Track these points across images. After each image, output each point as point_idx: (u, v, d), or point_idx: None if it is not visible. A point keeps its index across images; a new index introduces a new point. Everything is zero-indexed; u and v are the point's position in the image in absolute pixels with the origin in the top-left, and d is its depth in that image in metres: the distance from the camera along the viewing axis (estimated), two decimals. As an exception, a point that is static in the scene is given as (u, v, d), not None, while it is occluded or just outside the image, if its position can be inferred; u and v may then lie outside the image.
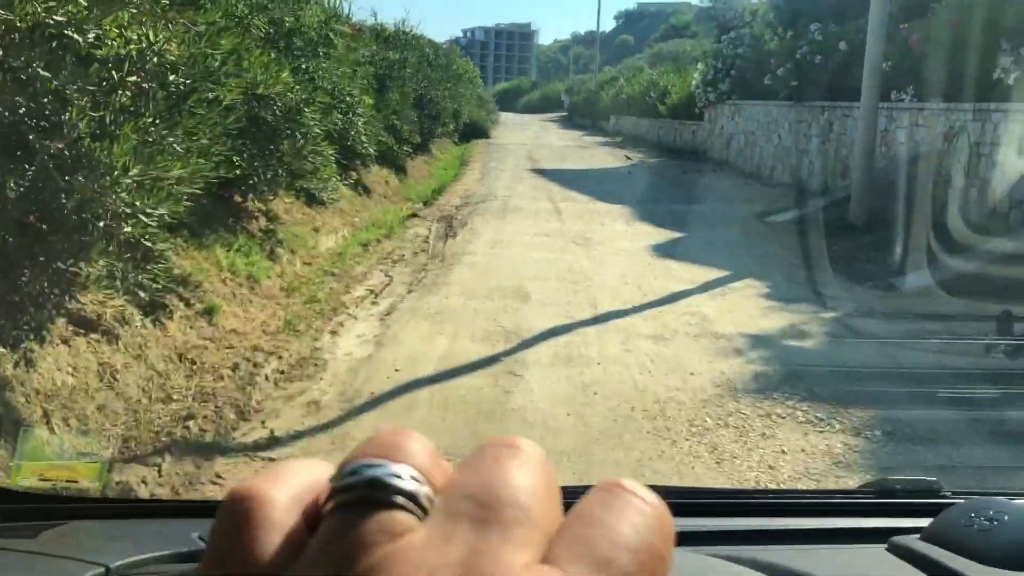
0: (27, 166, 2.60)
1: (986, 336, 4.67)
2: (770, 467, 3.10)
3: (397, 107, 11.05)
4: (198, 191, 3.41)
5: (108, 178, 2.57)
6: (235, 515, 0.25)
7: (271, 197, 5.83)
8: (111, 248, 3.05)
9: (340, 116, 6.75)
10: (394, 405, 3.65)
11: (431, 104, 14.29)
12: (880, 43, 8.49)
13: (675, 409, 3.60)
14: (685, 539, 0.90)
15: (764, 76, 12.81)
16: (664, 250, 7.50)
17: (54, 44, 2.48)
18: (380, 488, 0.24)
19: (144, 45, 2.94)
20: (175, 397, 3.39)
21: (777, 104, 12.65)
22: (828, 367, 4.31)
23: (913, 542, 0.89)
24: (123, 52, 2.89)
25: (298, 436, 3.31)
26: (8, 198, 2.55)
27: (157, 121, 2.81)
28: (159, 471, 2.82)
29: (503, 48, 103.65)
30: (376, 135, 9.06)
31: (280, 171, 5.24)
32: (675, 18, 49.34)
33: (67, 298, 3.12)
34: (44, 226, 2.91)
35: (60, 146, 2.60)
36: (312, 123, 5.22)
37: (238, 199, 5.63)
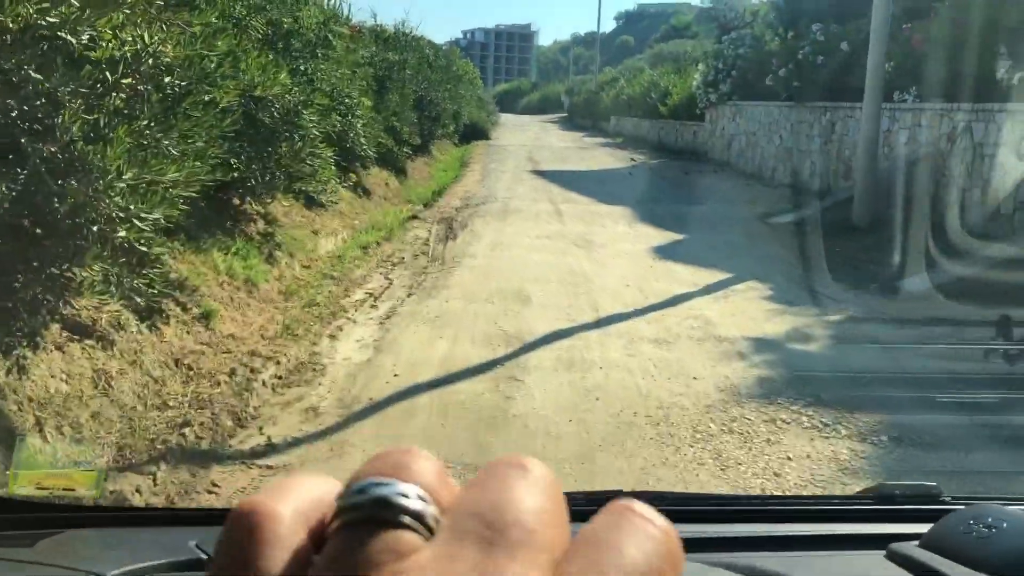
0: (19, 170, 2.55)
1: (992, 340, 4.63)
2: (776, 474, 3.05)
3: (397, 108, 11.01)
4: (194, 194, 3.37)
5: (101, 182, 2.53)
6: (241, 530, 0.24)
7: (269, 200, 5.78)
8: (106, 253, 3.01)
9: (339, 118, 6.70)
10: (393, 411, 3.60)
11: (431, 105, 14.24)
12: (883, 43, 8.44)
13: (679, 415, 3.55)
14: (683, 546, 0.89)
15: (765, 77, 12.76)
16: (666, 252, 7.45)
17: (46, 46, 2.43)
18: (387, 507, 0.24)
19: (139, 47, 2.89)
20: (171, 404, 3.34)
21: (779, 105, 12.60)
22: (833, 371, 4.26)
23: (912, 549, 0.88)
24: (118, 54, 2.85)
25: (296, 443, 3.26)
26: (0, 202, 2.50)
27: (152, 124, 2.76)
28: (154, 480, 2.77)
29: (503, 49, 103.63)
30: (376, 137, 9.01)
31: (278, 174, 5.19)
32: (675, 19, 49.31)
33: (61, 303, 3.07)
34: (37, 230, 2.86)
35: (53, 149, 2.55)
36: (310, 125, 5.17)
37: (236, 202, 5.58)
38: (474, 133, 22.10)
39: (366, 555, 0.23)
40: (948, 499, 1.05)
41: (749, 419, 3.53)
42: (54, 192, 2.55)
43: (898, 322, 5.31)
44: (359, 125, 7.49)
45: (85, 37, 2.76)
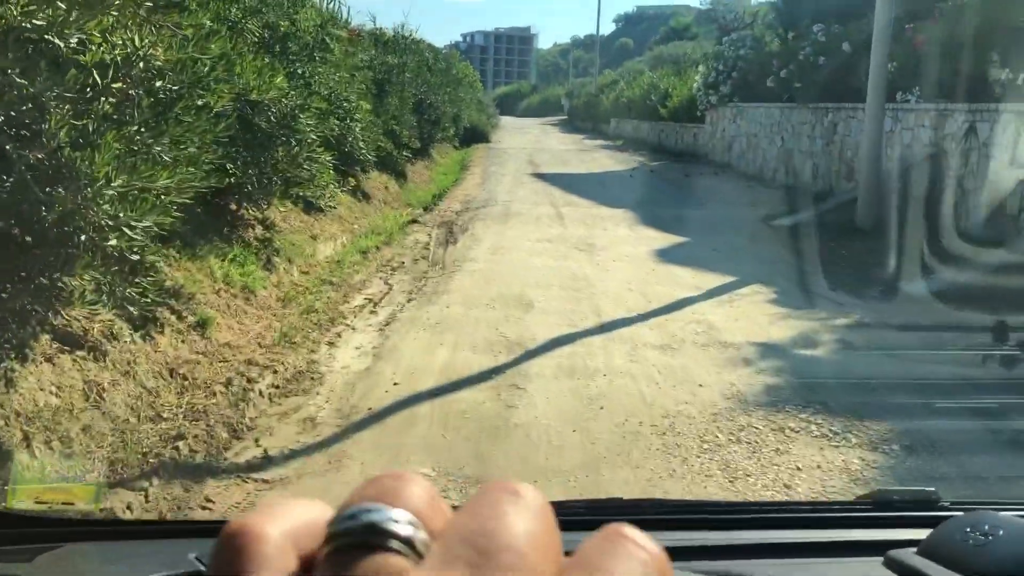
0: (5, 177, 2.47)
1: (1000, 345, 4.55)
2: (786, 486, 2.96)
3: (396, 112, 10.94)
4: (188, 201, 3.29)
5: (90, 189, 2.45)
6: (230, 549, 0.25)
7: (266, 205, 5.71)
8: (97, 261, 2.93)
9: (337, 122, 6.63)
10: (392, 421, 3.52)
11: (431, 109, 14.18)
12: (886, 44, 8.37)
13: (685, 424, 3.47)
14: (678, 554, 0.90)
15: (766, 78, 12.69)
16: (668, 255, 7.37)
17: (30, 49, 2.35)
18: (377, 533, 0.24)
19: (129, 50, 2.81)
20: (165, 415, 3.26)
21: (780, 106, 12.53)
22: (841, 377, 4.18)
23: (909, 556, 0.88)
24: (108, 58, 2.77)
25: (293, 456, 3.18)
26: (-15, 211, 2.43)
27: (142, 129, 2.68)
28: (146, 496, 2.68)
29: (503, 52, 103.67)
30: (375, 140, 8.94)
31: (275, 179, 5.11)
32: (675, 20, 49.24)
33: (51, 314, 2.99)
34: (26, 239, 2.79)
35: (39, 156, 2.47)
36: (308, 129, 5.10)
37: (233, 207, 5.51)
38: (474, 136, 22.06)
39: None
40: (946, 505, 1.05)
41: (757, 428, 3.44)
42: (41, 200, 2.47)
43: (905, 327, 5.23)
44: (358, 129, 7.42)
45: (74, 40, 2.68)
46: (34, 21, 2.52)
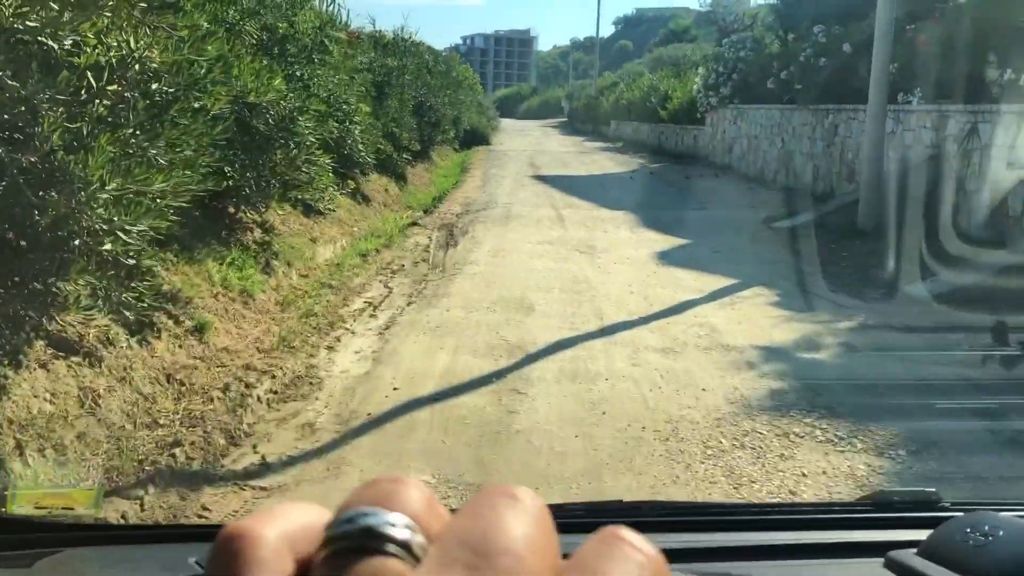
0: (-3, 181, 2.43)
1: (1007, 347, 4.50)
2: (791, 492, 2.92)
3: (396, 114, 10.90)
4: (185, 204, 3.25)
5: (83, 193, 2.41)
6: (227, 553, 0.25)
7: (265, 208, 5.66)
8: (92, 266, 2.89)
9: (336, 124, 6.59)
10: (392, 427, 3.47)
11: (431, 111, 14.15)
12: (888, 45, 8.33)
13: (688, 429, 3.42)
14: (678, 556, 0.90)
15: (767, 79, 12.66)
16: (670, 258, 7.33)
17: (21, 51, 2.31)
18: (374, 537, 0.24)
19: (124, 52, 2.78)
20: (161, 422, 3.22)
21: (780, 108, 12.50)
22: (845, 381, 4.14)
23: (910, 557, 0.88)
24: (103, 60, 2.73)
25: (291, 462, 3.13)
26: (-23, 216, 2.39)
27: (137, 132, 2.64)
28: (141, 504, 2.64)
29: (503, 55, 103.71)
30: (375, 143, 8.91)
31: (273, 181, 5.07)
32: (674, 22, 49.22)
33: (45, 319, 2.95)
34: (20, 243, 2.75)
35: (32, 159, 2.43)
36: (306, 131, 5.05)
37: (231, 211, 5.47)
38: (474, 138, 22.03)
39: None
40: (947, 505, 1.04)
41: (761, 433, 3.40)
42: (34, 204, 2.43)
43: (908, 329, 5.19)
44: (357, 131, 7.38)
45: (68, 42, 2.64)
46: (27, 23, 2.49)
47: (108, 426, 2.97)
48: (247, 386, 3.74)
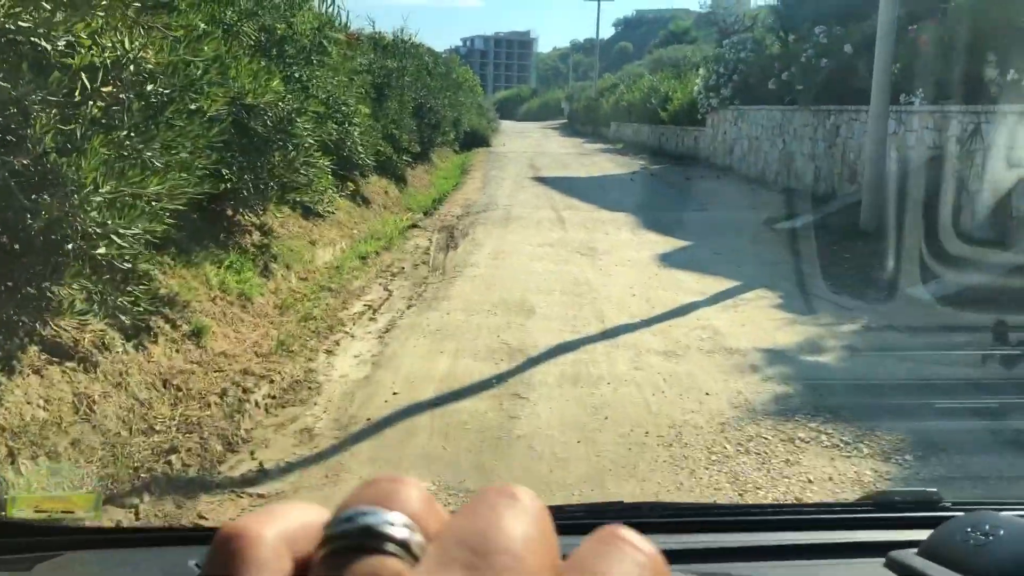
0: (-11, 184, 2.39)
1: (1012, 347, 4.46)
2: (797, 499, 2.87)
3: (396, 116, 10.86)
4: (181, 207, 3.21)
5: (76, 196, 2.36)
6: (225, 553, 0.25)
7: (263, 211, 5.62)
8: (87, 270, 2.85)
9: (335, 126, 6.54)
10: (392, 433, 3.43)
11: (431, 113, 14.11)
12: (890, 45, 8.29)
13: (692, 434, 3.38)
14: (679, 557, 0.91)
15: (767, 80, 12.62)
16: (671, 259, 7.28)
17: (12, 52, 2.27)
18: (373, 536, 0.24)
19: (119, 53, 2.73)
20: (158, 428, 3.17)
21: (781, 108, 12.46)
22: (850, 384, 4.09)
23: (910, 557, 0.88)
24: (97, 61, 2.69)
25: (289, 469, 3.09)
26: (-32, 219, 2.34)
27: (132, 134, 2.59)
28: (136, 513, 2.59)
29: (502, 57, 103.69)
30: (374, 145, 8.86)
31: (271, 184, 5.02)
32: (674, 24, 49.17)
33: (39, 324, 2.90)
34: (13, 247, 2.70)
35: (24, 162, 2.39)
36: (305, 133, 5.01)
37: (229, 213, 5.42)
38: (474, 140, 22.00)
39: None
40: (948, 505, 1.04)
41: (766, 438, 3.35)
42: (26, 207, 2.39)
43: (913, 331, 5.14)
44: (356, 133, 7.34)
45: (61, 43, 2.60)
46: (19, 23, 2.44)
47: (103, 433, 2.93)
48: (245, 391, 3.69)
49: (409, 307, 5.54)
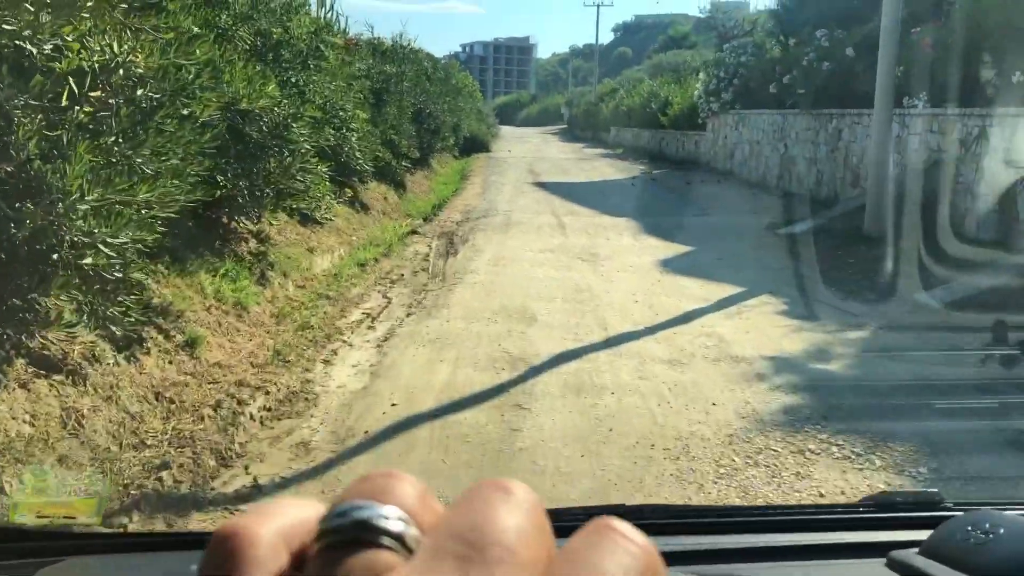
0: (-29, 192, 2.30)
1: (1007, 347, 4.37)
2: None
3: (395, 121, 10.79)
4: (174, 215, 3.12)
5: (62, 204, 2.28)
6: (222, 553, 0.25)
7: (258, 218, 5.53)
8: (76, 280, 2.76)
9: (333, 131, 6.46)
10: (391, 446, 3.33)
11: (430, 118, 14.05)
12: (893, 48, 8.22)
13: (699, 447, 3.28)
14: (681, 558, 0.91)
15: (768, 85, 12.55)
16: (674, 265, 7.19)
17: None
18: (367, 529, 0.24)
19: (108, 57, 2.65)
20: (149, 443, 3.08)
21: (782, 112, 12.39)
22: (860, 392, 4.00)
23: (911, 557, 0.88)
24: (85, 65, 2.61)
25: (285, 484, 2.99)
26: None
27: (120, 140, 2.51)
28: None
29: (502, 62, 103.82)
30: (373, 150, 8.79)
31: (267, 190, 4.94)
32: (673, 29, 49.14)
33: (26, 336, 2.81)
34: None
35: (8, 169, 2.30)
36: (301, 139, 4.93)
37: (225, 220, 5.33)
38: (474, 145, 21.95)
39: (344, 574, 0.23)
40: (949, 505, 1.05)
41: (775, 450, 3.26)
42: (10, 216, 2.30)
43: (920, 336, 5.05)
44: (354, 138, 7.26)
45: (48, 47, 2.52)
46: (3, 26, 2.36)
47: (92, 448, 2.83)
48: (240, 403, 3.60)
49: (408, 315, 5.45)
